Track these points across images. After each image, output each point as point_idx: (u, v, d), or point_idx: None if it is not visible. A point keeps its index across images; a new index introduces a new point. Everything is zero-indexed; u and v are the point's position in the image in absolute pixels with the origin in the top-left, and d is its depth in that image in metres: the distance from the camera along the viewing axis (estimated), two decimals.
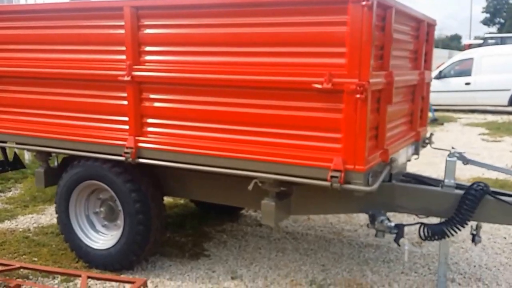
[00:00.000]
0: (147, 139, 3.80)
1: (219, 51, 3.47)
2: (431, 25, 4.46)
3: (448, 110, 15.88)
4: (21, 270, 4.09)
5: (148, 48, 3.73)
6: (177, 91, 3.66)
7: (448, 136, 11.39)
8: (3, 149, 4.94)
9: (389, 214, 3.91)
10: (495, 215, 3.59)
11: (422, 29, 4.18)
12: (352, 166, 3.14)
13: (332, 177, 3.15)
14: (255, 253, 4.59)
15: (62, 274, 4.03)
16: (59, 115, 4.17)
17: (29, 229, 5.22)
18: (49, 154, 4.49)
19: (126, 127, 3.86)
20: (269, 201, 3.56)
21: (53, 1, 4.89)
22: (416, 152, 4.43)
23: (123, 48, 3.75)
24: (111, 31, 3.82)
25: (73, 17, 3.98)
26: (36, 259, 4.43)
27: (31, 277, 4.08)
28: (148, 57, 3.74)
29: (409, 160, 4.36)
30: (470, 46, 26.97)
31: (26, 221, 5.49)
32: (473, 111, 16.15)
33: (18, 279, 3.97)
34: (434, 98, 14.45)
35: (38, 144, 4.30)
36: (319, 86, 3.12)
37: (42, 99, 4.24)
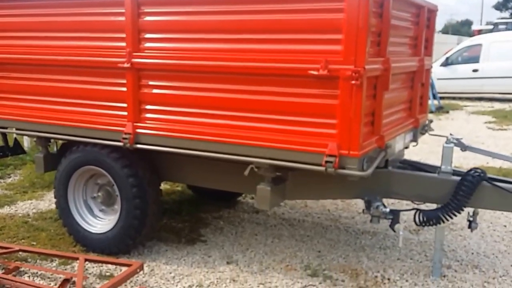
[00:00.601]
0: (145, 125, 3.82)
1: (217, 38, 3.48)
2: (432, 11, 4.42)
3: (454, 98, 15.70)
4: (20, 253, 4.14)
5: (147, 35, 3.74)
6: (176, 77, 3.67)
7: (452, 124, 11.28)
8: (4, 134, 4.97)
9: (389, 200, 3.90)
10: (492, 202, 3.60)
11: (423, 15, 4.14)
12: (347, 151, 3.15)
13: (326, 162, 3.17)
14: (251, 239, 4.60)
15: (60, 257, 4.07)
16: (59, 101, 4.20)
17: (28, 215, 5.26)
18: (48, 139, 4.51)
19: (125, 113, 3.87)
20: (264, 186, 3.58)
21: None
22: (415, 139, 4.40)
23: (123, 35, 3.76)
24: (112, 18, 3.83)
25: (74, 5, 3.99)
26: (35, 243, 4.47)
27: (29, 260, 4.12)
28: (147, 44, 3.75)
29: (407, 147, 4.35)
30: (479, 32, 26.54)
31: (25, 207, 5.53)
32: (480, 99, 15.94)
33: (17, 262, 4.03)
34: (440, 86, 14.38)
35: (38, 130, 4.33)
36: (315, 72, 3.13)
37: (42, 86, 4.26)
